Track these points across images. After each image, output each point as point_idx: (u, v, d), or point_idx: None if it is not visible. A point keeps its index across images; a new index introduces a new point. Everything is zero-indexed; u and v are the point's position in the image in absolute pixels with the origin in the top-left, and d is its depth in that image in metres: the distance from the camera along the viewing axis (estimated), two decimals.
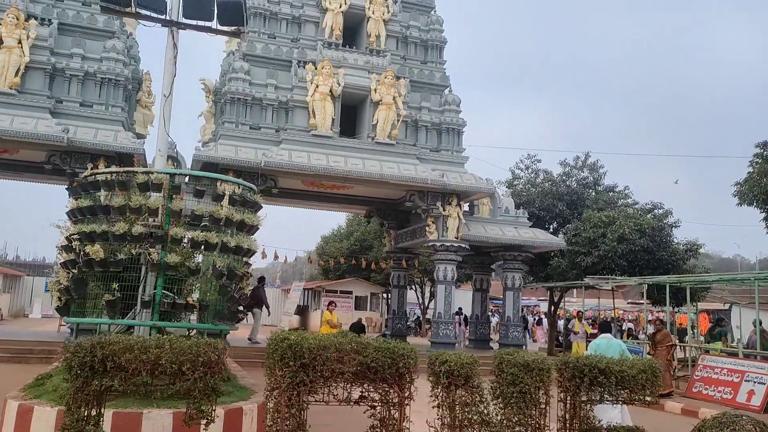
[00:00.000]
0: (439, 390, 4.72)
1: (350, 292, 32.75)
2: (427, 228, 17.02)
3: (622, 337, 21.56)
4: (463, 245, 16.79)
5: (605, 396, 5.13)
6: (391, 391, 4.43)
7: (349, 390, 4.34)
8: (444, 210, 16.70)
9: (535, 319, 31.64)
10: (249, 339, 16.42)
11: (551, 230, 21.92)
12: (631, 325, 30.51)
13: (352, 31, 17.49)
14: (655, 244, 18.95)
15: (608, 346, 8.45)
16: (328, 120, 15.91)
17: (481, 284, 20.40)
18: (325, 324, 13.58)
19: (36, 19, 14.27)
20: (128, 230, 5.66)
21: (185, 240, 6.12)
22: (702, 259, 29.45)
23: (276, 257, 22.68)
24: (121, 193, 6.33)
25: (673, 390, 12.34)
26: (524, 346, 18.37)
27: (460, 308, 23.96)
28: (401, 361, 4.35)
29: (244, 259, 6.81)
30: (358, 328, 21.04)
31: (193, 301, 6.01)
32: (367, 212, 20.62)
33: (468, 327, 21.48)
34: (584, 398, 5.12)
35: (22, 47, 13.62)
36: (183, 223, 6.29)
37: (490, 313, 27.95)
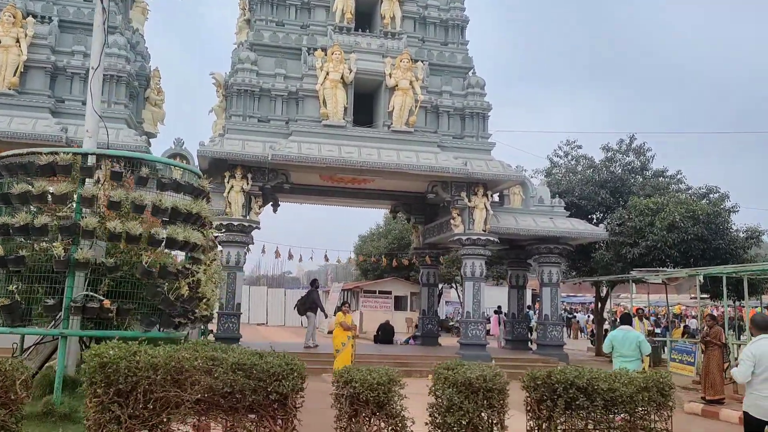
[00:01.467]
0: (343, 421, 3.52)
1: (389, 292, 31.75)
2: (452, 221, 15.78)
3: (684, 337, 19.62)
4: (492, 238, 15.46)
5: (590, 423, 3.85)
6: (261, 427, 3.22)
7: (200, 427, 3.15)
8: (469, 201, 15.43)
9: (588, 318, 29.75)
10: (305, 346, 15.71)
11: (594, 220, 20.23)
12: (694, 321, 28.14)
13: (366, 14, 16.44)
14: (711, 232, 17.04)
15: (624, 338, 8.22)
16: (340, 109, 14.91)
17: (517, 280, 18.96)
18: (337, 326, 12.56)
19: (36, 17, 13.88)
20: (30, 222, 4.80)
21: (102, 231, 5.21)
22: (766, 248, 26.88)
23: (326, 259, 21.65)
24: (57, 180, 5.47)
25: (725, 397, 10.68)
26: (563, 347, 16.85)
27: (499, 306, 22.56)
28: (274, 384, 3.16)
29: (192, 254, 5.86)
30: (386, 330, 20.07)
31: (111, 303, 5.09)
32: (392, 207, 19.52)
33: (505, 326, 20.04)
34: (562, 428, 3.83)
35: (20, 46, 13.23)
36: (101, 213, 5.39)
37: (533, 312, 26.58)
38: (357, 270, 46.69)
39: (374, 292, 32.72)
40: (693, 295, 23.54)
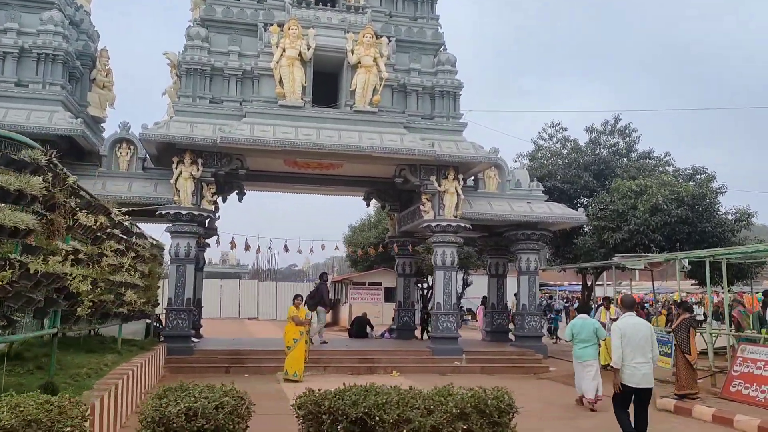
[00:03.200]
0: None
1: (379, 284, 30.95)
2: (421, 207, 14.82)
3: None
4: (463, 224, 14.51)
5: None
6: None
7: None
8: (440, 185, 14.46)
9: (569, 306, 28.89)
10: (311, 341, 14.88)
11: (579, 205, 19.29)
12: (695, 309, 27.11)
13: None
14: (696, 214, 16.12)
15: (582, 326, 9.17)
16: (298, 88, 13.90)
17: (497, 269, 18.04)
18: (289, 321, 11.64)
19: None
20: None
21: None
22: (758, 231, 25.97)
23: (310, 250, 20.57)
24: None
25: (698, 391, 9.76)
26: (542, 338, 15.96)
27: (484, 297, 21.66)
28: None
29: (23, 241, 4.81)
30: (360, 323, 19.18)
31: None
32: (365, 194, 18.52)
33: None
34: None
35: None
36: None
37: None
38: (346, 261, 45.91)
39: (364, 283, 31.92)
40: (694, 281, 22.60)
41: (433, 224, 14.46)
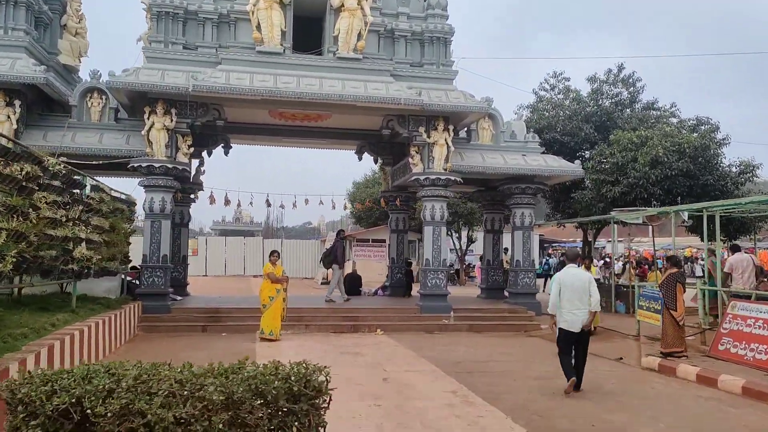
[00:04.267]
0: None
1: (383, 240, 30.55)
2: (410, 159, 14.13)
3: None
4: (453, 178, 13.83)
5: None
6: None
7: None
8: (429, 137, 13.73)
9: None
10: (327, 299, 14.99)
11: (581, 158, 18.48)
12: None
13: None
14: (698, 166, 15.29)
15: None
16: (277, 33, 13.06)
17: (493, 224, 17.46)
18: (265, 278, 11.16)
19: None
20: None
21: None
22: (765, 186, 24.99)
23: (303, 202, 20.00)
24: None
25: (685, 349, 9.23)
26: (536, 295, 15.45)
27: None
28: None
29: None
30: (353, 281, 18.76)
31: None
32: (357, 148, 17.79)
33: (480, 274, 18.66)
34: None
35: None
36: None
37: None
38: (349, 218, 45.53)
39: (367, 240, 31.54)
40: (699, 236, 21.79)
41: (422, 177, 13.80)
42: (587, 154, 18.82)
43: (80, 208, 7.97)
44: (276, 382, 1.89)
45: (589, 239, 20.91)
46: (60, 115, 13.10)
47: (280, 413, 1.87)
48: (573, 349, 7.37)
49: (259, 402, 1.85)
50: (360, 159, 18.22)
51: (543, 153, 15.44)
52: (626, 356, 9.89)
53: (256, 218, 65.16)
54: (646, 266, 20.55)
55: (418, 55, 14.28)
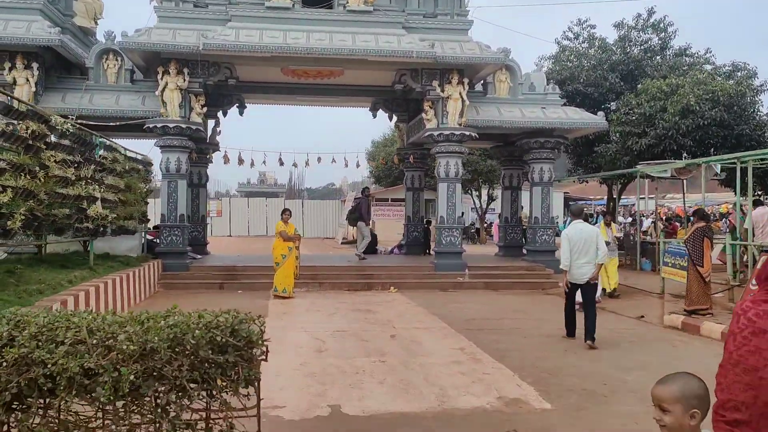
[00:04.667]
0: None
1: (402, 200, 30.48)
2: (424, 115, 13.89)
3: None
4: (468, 133, 13.56)
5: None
6: None
7: None
8: (443, 91, 13.43)
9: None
10: (357, 255, 15.26)
11: (605, 110, 17.91)
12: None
13: None
14: (733, 115, 14.63)
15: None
16: None
17: (510, 181, 17.16)
18: (277, 237, 11.24)
19: None
20: None
21: None
22: None
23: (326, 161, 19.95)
24: None
25: (710, 306, 8.98)
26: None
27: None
28: None
29: None
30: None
31: None
32: (371, 104, 17.56)
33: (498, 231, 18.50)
34: None
35: None
36: None
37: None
38: (370, 178, 45.41)
39: (386, 200, 31.53)
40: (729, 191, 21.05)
41: (436, 133, 13.57)
42: (612, 105, 18.21)
43: (92, 167, 8.05)
44: (196, 331, 1.82)
45: (614, 196, 20.47)
46: (78, 77, 13.21)
47: (204, 365, 1.76)
48: (576, 306, 7.41)
49: (177, 352, 1.77)
50: (374, 116, 17.98)
51: (564, 105, 14.99)
52: (648, 314, 9.66)
53: (279, 180, 65.59)
54: (677, 223, 20.03)
55: (431, 5, 13.85)
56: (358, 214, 15.50)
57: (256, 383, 1.91)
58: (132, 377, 1.63)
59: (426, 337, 7.96)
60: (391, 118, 18.02)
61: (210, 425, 1.85)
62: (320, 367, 6.36)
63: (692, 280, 9.05)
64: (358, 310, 10.07)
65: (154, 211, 13.10)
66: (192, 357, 1.75)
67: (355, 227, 16.76)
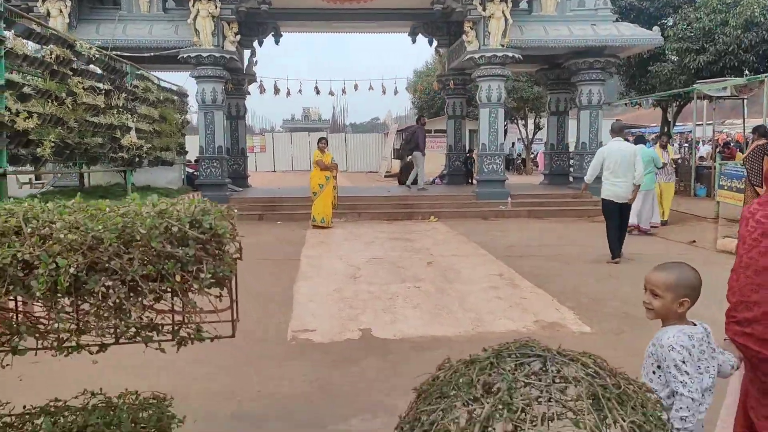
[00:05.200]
0: None
1: (445, 131, 29.88)
2: (464, 37, 13.19)
3: None
4: (511, 54, 12.84)
5: None
6: None
7: None
8: (484, 9, 12.65)
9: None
10: (408, 185, 15.02)
11: (661, 25, 16.61)
12: None
13: None
14: None
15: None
16: None
17: (557, 106, 16.38)
18: (314, 166, 11.09)
19: None
20: None
21: None
22: None
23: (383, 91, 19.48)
24: None
25: None
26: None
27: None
28: None
29: None
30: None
31: None
32: (410, 29, 16.82)
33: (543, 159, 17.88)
34: None
35: None
36: None
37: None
38: (413, 109, 44.48)
39: (429, 131, 30.91)
40: None
41: (477, 56, 12.91)
42: (669, 20, 16.88)
43: (124, 96, 7.98)
44: (147, 220, 1.63)
45: (669, 119, 19.33)
46: (110, 7, 13.07)
47: (159, 259, 1.56)
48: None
49: (127, 243, 1.58)
50: (414, 41, 17.24)
51: (616, 21, 13.96)
52: (700, 239, 9.20)
53: (324, 116, 65.25)
54: (736, 148, 18.85)
55: None
56: (414, 144, 14.79)
57: (230, 283, 1.71)
58: (72, 270, 1.46)
59: (464, 264, 7.79)
60: (431, 43, 17.27)
61: (177, 328, 1.71)
62: (353, 293, 6.31)
63: (749, 201, 8.46)
64: (396, 238, 9.95)
65: (193, 146, 13.11)
66: (143, 249, 1.56)
67: (409, 158, 16.10)
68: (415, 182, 15.32)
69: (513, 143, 30.12)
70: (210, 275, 1.56)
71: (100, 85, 7.02)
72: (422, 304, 5.86)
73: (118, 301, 1.48)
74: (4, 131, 4.95)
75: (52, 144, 5.62)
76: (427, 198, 13.62)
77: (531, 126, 27.63)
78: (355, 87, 18.79)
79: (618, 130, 7.98)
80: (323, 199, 10.86)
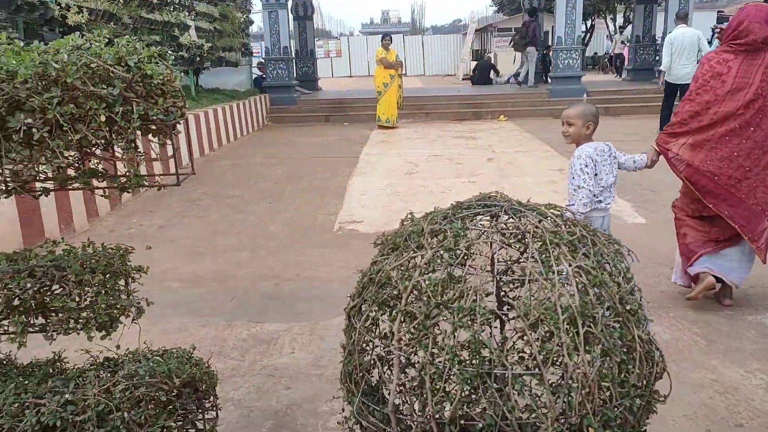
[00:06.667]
0: None
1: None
2: None
3: None
4: None
5: None
6: None
7: None
8: None
9: None
10: (519, 83, 14.67)
11: None
12: None
13: None
14: None
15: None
16: None
17: None
18: (378, 65, 10.75)
19: None
20: None
21: None
22: None
23: None
24: None
25: None
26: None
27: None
28: None
29: None
30: (483, 69, 17.84)
31: None
32: None
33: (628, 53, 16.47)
34: None
35: None
36: None
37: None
38: (492, 6, 41.98)
39: (509, 29, 29.23)
40: None
41: None
42: None
43: None
44: (65, 56, 1.55)
45: None
46: None
47: (80, 98, 1.49)
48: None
49: (46, 81, 1.53)
50: None
51: None
52: None
53: (403, 19, 63.04)
54: None
55: None
56: (529, 39, 13.76)
57: (170, 130, 1.59)
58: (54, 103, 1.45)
59: (524, 160, 7.55)
60: None
61: (121, 175, 1.68)
62: (406, 188, 6.30)
63: None
64: (461, 137, 9.71)
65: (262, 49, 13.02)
66: (65, 88, 1.52)
67: (522, 53, 15.05)
68: (525, 80, 14.49)
69: (613, 45, 27.89)
70: (138, 117, 1.51)
71: None
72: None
73: (41, 138, 1.47)
74: (56, 26, 5.07)
75: (106, 39, 5.71)
76: (497, 96, 13.06)
77: (620, 21, 25.38)
78: None
79: (683, 17, 8.67)
80: (388, 98, 10.64)
